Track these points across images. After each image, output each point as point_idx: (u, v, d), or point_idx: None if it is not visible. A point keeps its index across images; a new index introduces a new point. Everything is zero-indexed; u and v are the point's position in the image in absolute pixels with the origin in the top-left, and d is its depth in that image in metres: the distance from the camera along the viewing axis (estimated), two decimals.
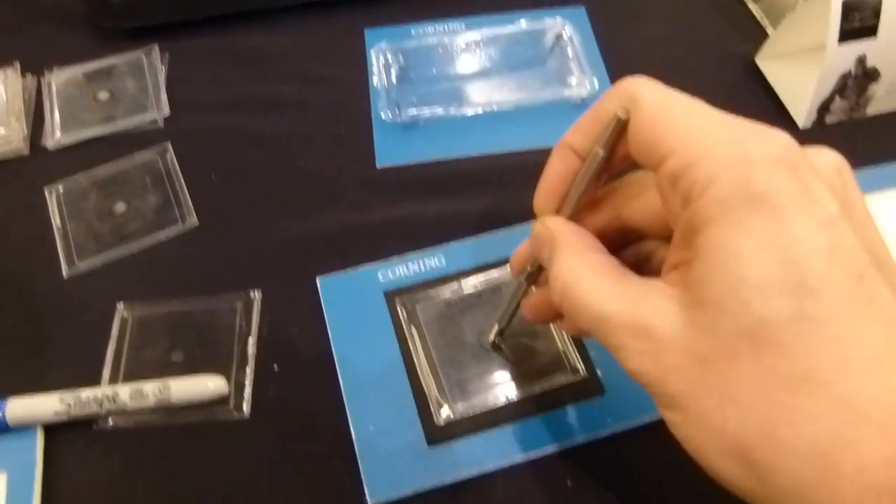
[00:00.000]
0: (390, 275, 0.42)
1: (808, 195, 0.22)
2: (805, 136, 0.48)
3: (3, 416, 0.37)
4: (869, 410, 0.20)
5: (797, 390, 0.21)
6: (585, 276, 0.26)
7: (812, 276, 0.21)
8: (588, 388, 0.38)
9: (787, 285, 0.21)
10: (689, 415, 0.23)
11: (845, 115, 0.48)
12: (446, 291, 0.42)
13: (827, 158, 0.25)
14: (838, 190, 0.23)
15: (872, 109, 0.48)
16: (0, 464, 0.37)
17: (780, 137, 0.23)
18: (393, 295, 0.41)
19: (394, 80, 0.52)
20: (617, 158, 0.27)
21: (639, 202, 0.29)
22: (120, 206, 0.47)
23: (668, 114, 0.24)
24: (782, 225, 0.21)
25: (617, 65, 0.53)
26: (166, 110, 0.51)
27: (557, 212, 0.30)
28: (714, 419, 0.22)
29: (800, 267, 0.21)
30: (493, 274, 0.42)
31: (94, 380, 0.40)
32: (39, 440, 0.38)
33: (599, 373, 0.38)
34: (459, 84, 0.52)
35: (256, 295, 0.42)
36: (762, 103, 0.50)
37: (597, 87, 0.49)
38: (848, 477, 0.20)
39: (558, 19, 0.54)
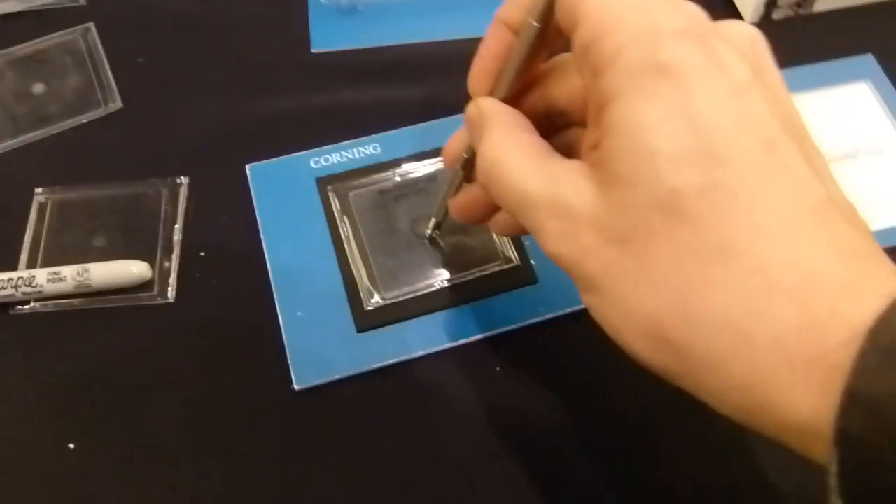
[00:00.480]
0: (323, 162, 0.41)
1: (716, 64, 0.21)
2: None
3: None
4: (781, 279, 0.20)
5: (710, 263, 0.20)
6: (510, 153, 0.25)
7: (720, 145, 0.20)
8: (520, 277, 0.38)
9: (695, 155, 0.20)
10: (606, 296, 0.23)
11: (792, 10, 0.47)
12: (380, 179, 0.40)
13: (739, 30, 0.24)
14: (750, 60, 0.23)
15: (819, 6, 0.47)
16: None
17: (690, 8, 0.22)
18: (325, 182, 0.40)
19: None
20: (552, 31, 0.26)
21: (566, 83, 0.28)
22: (38, 87, 0.44)
23: None
24: (689, 94, 0.21)
25: None
26: None
27: (491, 93, 0.28)
28: (630, 300, 0.22)
29: (708, 136, 0.20)
30: (429, 162, 0.41)
31: (11, 266, 0.38)
32: None
33: (533, 262, 0.38)
34: None
35: (183, 180, 0.41)
36: None
37: None
38: (762, 347, 0.20)
39: None
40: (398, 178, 0.40)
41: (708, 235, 0.20)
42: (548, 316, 0.37)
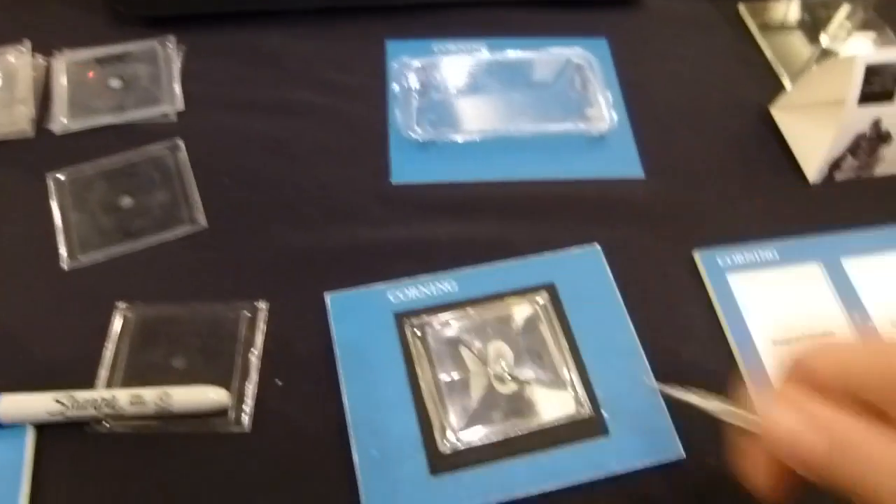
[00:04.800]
0: (401, 296, 0.42)
1: None
2: (814, 191, 0.48)
3: None
4: None
5: None
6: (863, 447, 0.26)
7: None
8: (592, 428, 0.38)
9: None
10: None
11: (854, 173, 0.49)
12: (457, 317, 0.41)
13: None
14: None
15: (881, 170, 0.49)
16: None
17: None
18: (403, 317, 0.41)
19: (414, 94, 0.51)
20: None
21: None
22: (126, 201, 0.46)
23: None
24: None
25: (636, 102, 0.53)
26: (180, 104, 0.51)
27: None
28: None
29: None
30: (505, 307, 0.42)
31: (89, 380, 0.39)
32: (30, 439, 0.37)
33: (605, 414, 0.38)
34: (479, 106, 0.52)
35: (262, 305, 0.42)
36: (774, 153, 0.50)
37: (615, 120, 0.49)
38: None
39: (580, 49, 0.54)
40: (478, 316, 0.41)
41: None
42: (619, 469, 0.37)
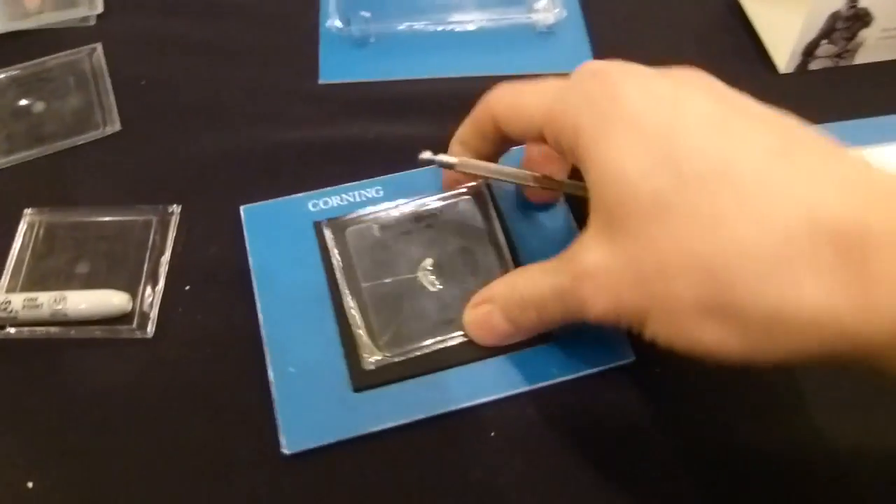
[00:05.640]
0: (322, 205, 0.39)
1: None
2: (786, 82, 0.44)
3: None
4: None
5: (713, 224, 0.23)
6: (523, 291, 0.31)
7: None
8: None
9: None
10: (658, 309, 0.25)
11: (831, 61, 0.44)
12: (381, 217, 0.38)
13: None
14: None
15: (863, 57, 0.44)
16: None
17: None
18: (321, 225, 0.38)
19: None
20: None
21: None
22: (38, 106, 0.43)
23: None
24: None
25: None
26: (100, 7, 0.48)
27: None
28: (674, 289, 0.24)
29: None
30: (438, 197, 0.38)
31: None
32: None
33: None
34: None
35: (175, 209, 0.39)
36: (741, 43, 0.46)
37: (564, 14, 0.45)
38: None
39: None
40: (400, 213, 0.38)
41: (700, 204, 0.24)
42: (559, 379, 0.33)
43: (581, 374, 0.34)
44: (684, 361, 0.25)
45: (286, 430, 0.32)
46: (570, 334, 0.34)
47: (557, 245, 0.31)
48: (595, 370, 0.34)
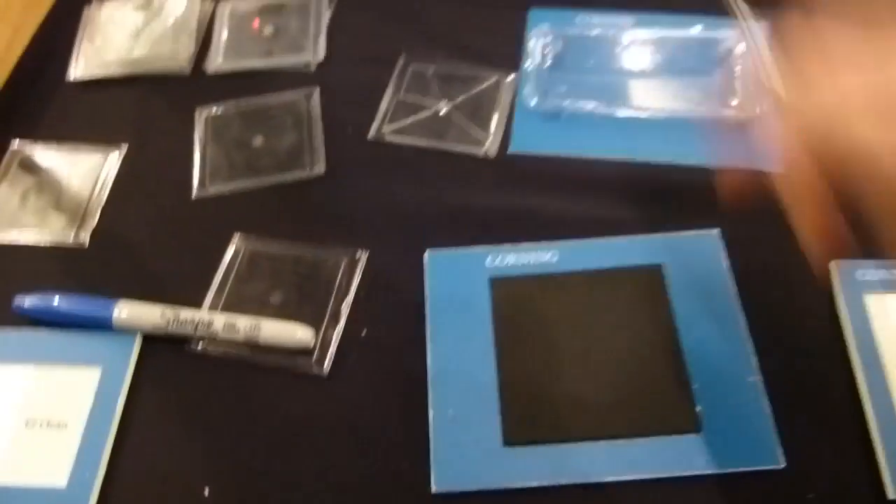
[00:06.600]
0: (499, 261, 0.41)
1: None
2: None
3: (111, 316, 0.40)
4: None
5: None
6: None
7: None
8: (683, 423, 0.35)
9: None
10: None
11: None
12: (553, 288, 0.40)
13: None
14: None
15: None
16: (97, 359, 0.39)
17: None
18: (498, 282, 0.40)
19: (547, 65, 0.49)
20: None
21: None
22: (258, 140, 0.48)
23: None
24: None
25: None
26: (321, 55, 0.52)
27: None
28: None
29: None
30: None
31: (197, 301, 0.41)
32: (136, 346, 0.40)
33: (699, 408, 0.35)
34: (613, 82, 0.49)
35: (362, 255, 0.42)
36: None
37: (758, 111, 0.45)
38: None
39: (736, 31, 0.49)
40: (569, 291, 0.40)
41: None
42: (707, 471, 0.34)
43: (726, 470, 0.34)
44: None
45: (437, 471, 0.34)
46: (719, 427, 0.35)
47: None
48: (741, 469, 0.33)
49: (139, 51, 0.54)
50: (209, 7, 0.56)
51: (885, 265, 0.39)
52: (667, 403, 0.36)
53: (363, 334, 0.40)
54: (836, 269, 0.39)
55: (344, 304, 0.41)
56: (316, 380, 0.38)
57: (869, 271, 0.39)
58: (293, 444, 0.37)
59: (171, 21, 0.55)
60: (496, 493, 0.34)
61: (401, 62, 0.51)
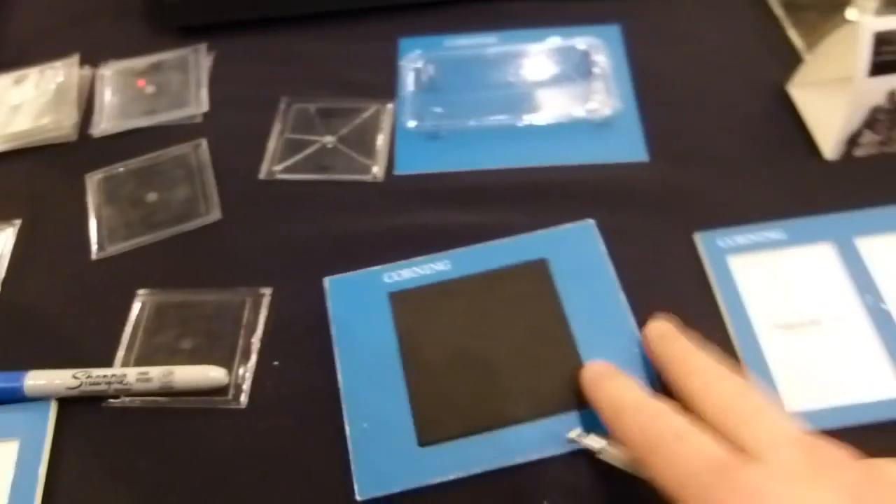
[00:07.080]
0: (396, 277, 0.44)
1: None
2: (831, 168, 0.46)
3: (22, 387, 0.40)
4: None
5: None
6: None
7: None
8: (580, 399, 0.38)
9: None
10: None
11: (875, 149, 0.46)
12: (449, 294, 0.43)
13: None
14: None
15: None
16: (14, 432, 0.40)
17: None
18: (397, 296, 0.43)
19: (421, 89, 0.53)
20: None
21: None
22: (152, 196, 0.50)
23: None
24: None
25: (646, 87, 0.52)
26: (205, 106, 0.54)
27: None
28: None
29: None
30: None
31: (109, 360, 0.42)
32: (52, 413, 0.40)
33: None
34: (484, 97, 0.52)
35: (266, 291, 0.44)
36: (790, 132, 0.48)
37: (620, 106, 0.49)
38: None
39: (591, 38, 0.54)
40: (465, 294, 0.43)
41: None
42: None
43: None
44: None
45: (359, 479, 0.37)
46: None
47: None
48: None
49: (22, 124, 0.54)
50: (89, 73, 0.58)
51: (740, 231, 0.43)
52: (564, 383, 0.39)
53: (275, 364, 0.41)
54: (700, 239, 0.43)
55: (254, 339, 0.42)
56: (235, 414, 0.40)
57: (728, 238, 0.43)
58: (221, 481, 0.38)
59: (51, 90, 0.56)
60: (417, 491, 0.36)
61: (283, 103, 0.54)
